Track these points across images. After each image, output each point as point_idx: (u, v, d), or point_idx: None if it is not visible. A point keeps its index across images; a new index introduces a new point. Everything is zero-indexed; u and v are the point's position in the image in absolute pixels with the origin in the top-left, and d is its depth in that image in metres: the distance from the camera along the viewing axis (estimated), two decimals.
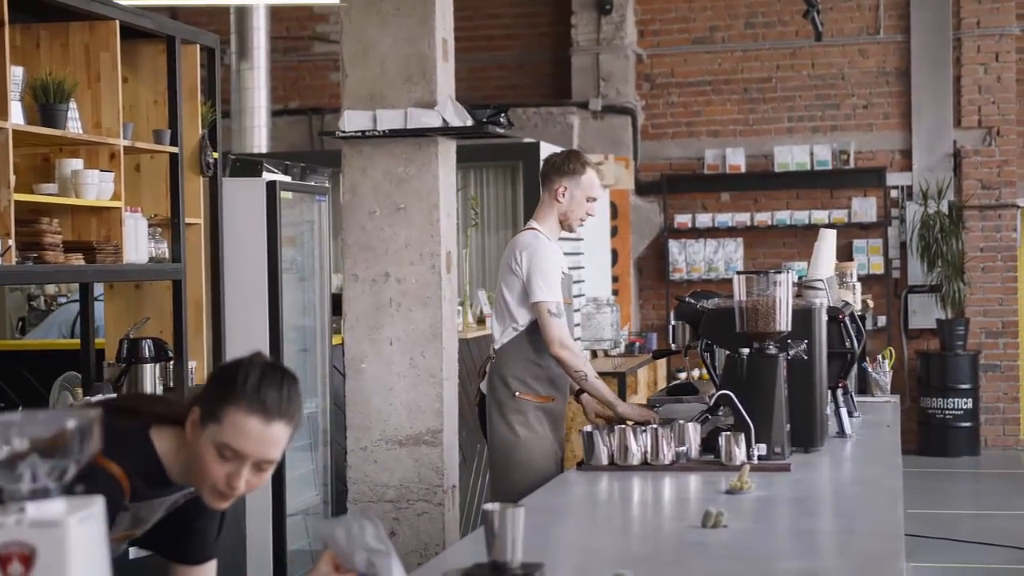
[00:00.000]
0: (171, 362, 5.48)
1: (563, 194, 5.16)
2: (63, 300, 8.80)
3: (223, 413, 2.51)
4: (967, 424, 12.10)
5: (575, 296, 9.82)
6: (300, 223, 6.66)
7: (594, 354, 10.10)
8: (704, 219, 12.73)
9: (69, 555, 1.71)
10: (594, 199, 5.23)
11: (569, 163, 5.21)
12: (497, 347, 5.17)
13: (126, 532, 2.69)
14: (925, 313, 12.42)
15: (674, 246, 12.77)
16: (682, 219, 12.78)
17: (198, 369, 5.77)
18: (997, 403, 12.44)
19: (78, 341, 5.65)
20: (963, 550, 8.41)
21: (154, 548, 2.86)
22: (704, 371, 11.09)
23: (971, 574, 7.90)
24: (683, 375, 11.47)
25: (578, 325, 9.68)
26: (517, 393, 5.10)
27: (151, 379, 5.32)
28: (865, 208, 12.48)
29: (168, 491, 2.69)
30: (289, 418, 2.54)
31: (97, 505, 1.79)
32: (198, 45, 5.81)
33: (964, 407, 12.07)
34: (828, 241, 5.53)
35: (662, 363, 11.07)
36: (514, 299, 5.11)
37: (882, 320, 12.38)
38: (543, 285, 5.02)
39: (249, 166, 6.33)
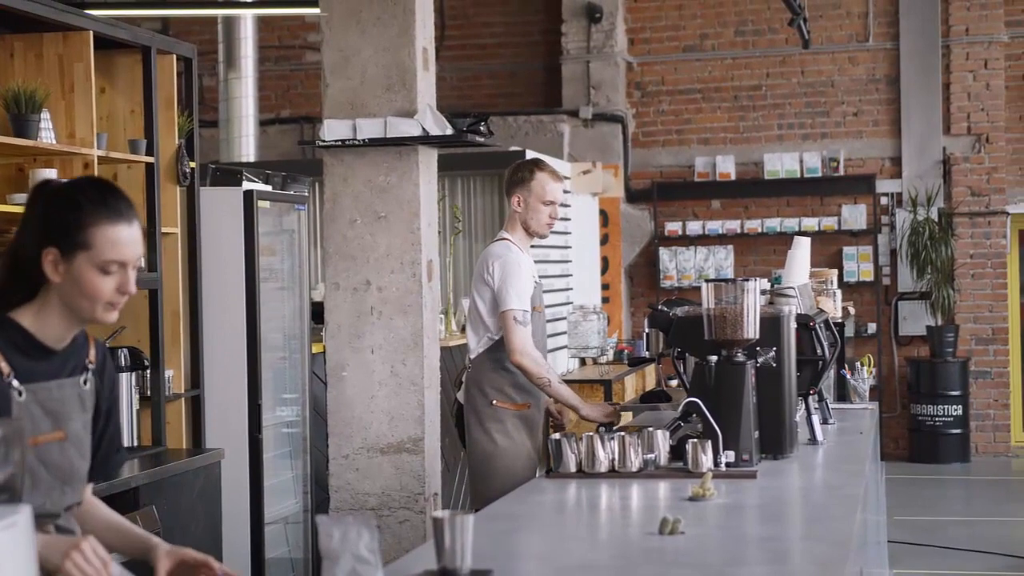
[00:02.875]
0: (147, 371, 5.50)
1: (519, 203, 5.29)
2: None
3: (89, 239, 2.62)
4: (957, 431, 12.11)
5: (561, 304, 9.89)
6: (279, 232, 6.68)
7: (582, 362, 10.12)
8: (694, 227, 12.75)
9: None
10: (551, 202, 5.30)
11: (518, 172, 5.33)
12: (472, 356, 5.26)
13: (52, 433, 2.67)
14: (915, 320, 12.44)
15: (665, 254, 12.78)
16: (672, 227, 12.80)
17: (175, 378, 5.79)
18: (987, 410, 12.44)
19: None
20: (952, 557, 8.42)
21: None
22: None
23: None
24: (674, 383, 11.47)
25: (563, 333, 9.71)
26: (494, 401, 5.19)
27: (127, 388, 5.33)
28: (855, 215, 12.49)
29: (55, 363, 2.70)
30: (136, 215, 2.71)
31: (23, 514, 1.81)
32: (174, 55, 5.83)
33: (954, 414, 12.08)
34: (802, 249, 5.55)
35: (651, 370, 11.08)
36: (487, 309, 5.21)
37: (872, 327, 12.39)
38: (513, 294, 5.11)
39: (229, 175, 6.34)
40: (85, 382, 2.76)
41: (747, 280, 4.38)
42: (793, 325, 4.64)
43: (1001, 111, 12.41)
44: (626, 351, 10.63)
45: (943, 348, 12.11)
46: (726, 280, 4.41)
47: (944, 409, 12.07)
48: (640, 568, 2.99)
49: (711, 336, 4.37)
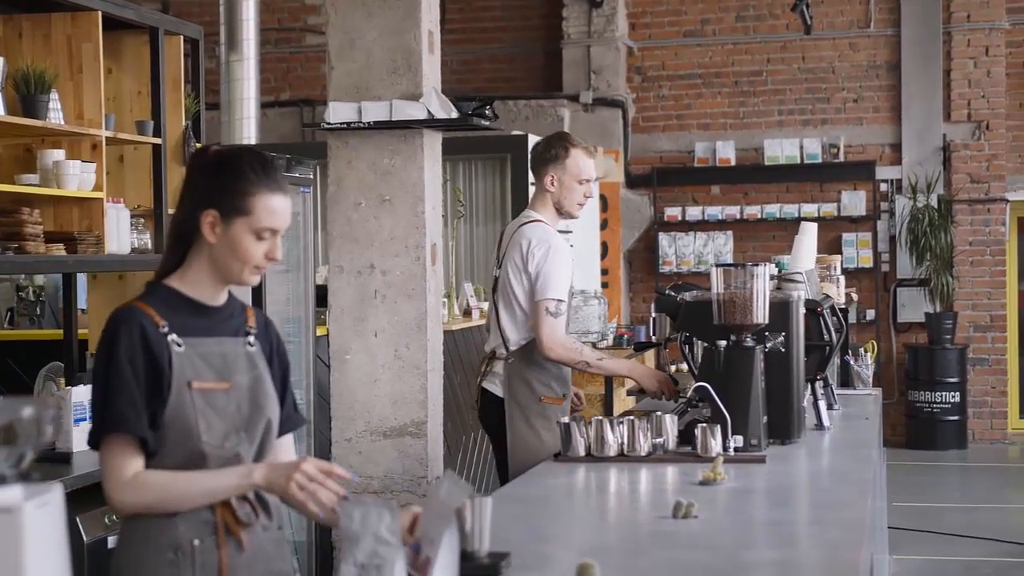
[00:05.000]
0: None
1: (552, 182, 5.05)
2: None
3: (249, 205, 2.78)
4: (955, 418, 12.14)
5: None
6: None
7: None
8: (694, 212, 12.75)
9: (25, 541, 1.73)
10: (586, 180, 5.06)
11: (551, 149, 5.08)
12: (512, 348, 5.01)
13: (216, 382, 2.81)
14: (914, 307, 12.45)
15: (664, 239, 12.79)
16: (672, 212, 12.81)
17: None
18: (985, 397, 12.47)
19: (61, 332, 5.65)
20: (949, 543, 8.45)
21: None
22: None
23: (957, 567, 7.93)
24: (673, 368, 11.47)
25: None
26: (542, 398, 4.98)
27: None
28: (855, 202, 12.50)
29: (213, 321, 2.85)
30: (289, 187, 2.87)
31: (55, 492, 1.81)
32: (181, 36, 5.82)
33: (952, 401, 12.11)
34: (809, 234, 5.55)
35: (650, 355, 11.09)
36: (527, 297, 4.96)
37: (871, 314, 12.41)
38: (550, 284, 4.88)
39: None
40: (249, 344, 2.89)
41: (756, 265, 4.38)
42: (802, 310, 4.64)
43: (1002, 98, 12.42)
44: (626, 336, 10.63)
45: (941, 335, 12.13)
46: (735, 265, 4.40)
47: (942, 396, 12.10)
48: (656, 551, 2.99)
49: (720, 321, 4.37)
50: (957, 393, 12.12)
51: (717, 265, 4.42)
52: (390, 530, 2.52)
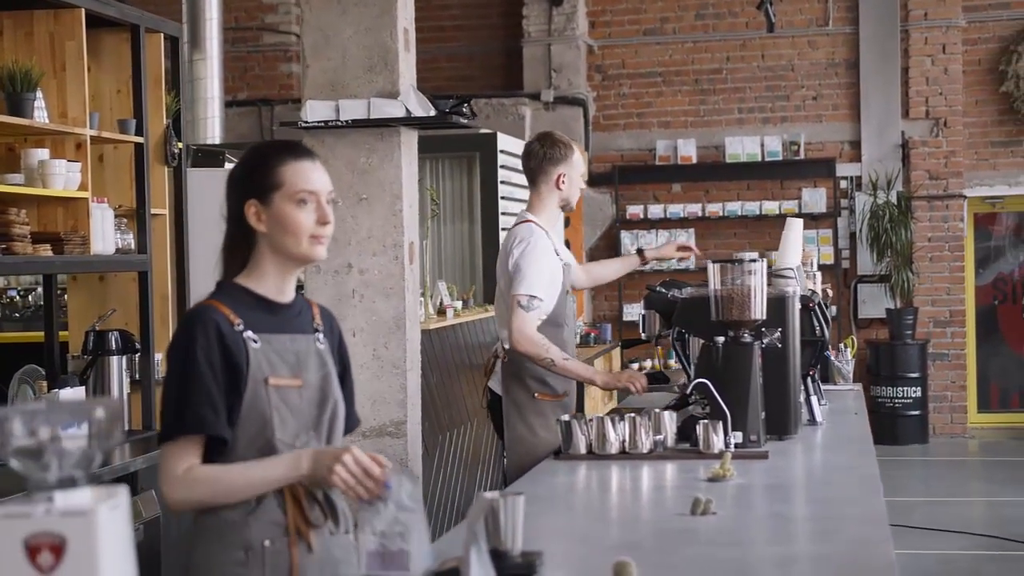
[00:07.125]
0: (138, 354, 5.42)
1: (562, 181, 5.10)
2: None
3: (279, 178, 2.78)
4: (916, 412, 12.24)
5: None
6: None
7: None
8: (656, 210, 12.78)
9: (99, 544, 1.70)
10: (582, 175, 5.18)
11: (556, 148, 5.11)
12: (508, 347, 5.00)
13: (290, 378, 2.79)
14: (874, 303, 12.55)
15: (626, 237, 12.81)
16: (634, 210, 12.83)
17: (164, 361, 5.70)
18: (945, 391, 12.58)
19: (42, 334, 5.55)
20: (914, 536, 8.50)
21: None
22: (659, 361, 11.14)
23: (922, 560, 7.98)
24: (635, 365, 11.50)
25: None
26: (536, 395, 5.00)
27: (117, 371, 5.26)
28: (815, 199, 12.58)
29: (284, 318, 2.83)
30: (316, 155, 2.87)
31: (123, 495, 1.77)
32: (162, 34, 5.75)
33: (913, 395, 12.20)
34: (795, 230, 5.58)
35: (616, 353, 11.12)
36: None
37: (832, 310, 12.48)
38: (522, 279, 4.92)
39: (211, 157, 6.27)
40: (319, 341, 2.87)
41: (754, 261, 4.38)
42: (797, 306, 4.66)
43: (959, 95, 12.53)
44: (592, 335, 10.64)
45: (902, 331, 12.23)
46: (733, 261, 4.40)
47: (903, 391, 12.19)
48: (684, 548, 2.98)
49: (718, 317, 4.37)
50: (918, 388, 12.22)
51: (715, 261, 4.42)
52: (412, 498, 2.52)
